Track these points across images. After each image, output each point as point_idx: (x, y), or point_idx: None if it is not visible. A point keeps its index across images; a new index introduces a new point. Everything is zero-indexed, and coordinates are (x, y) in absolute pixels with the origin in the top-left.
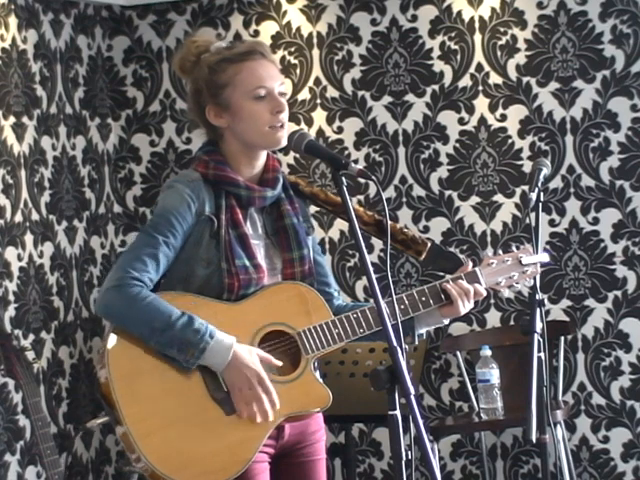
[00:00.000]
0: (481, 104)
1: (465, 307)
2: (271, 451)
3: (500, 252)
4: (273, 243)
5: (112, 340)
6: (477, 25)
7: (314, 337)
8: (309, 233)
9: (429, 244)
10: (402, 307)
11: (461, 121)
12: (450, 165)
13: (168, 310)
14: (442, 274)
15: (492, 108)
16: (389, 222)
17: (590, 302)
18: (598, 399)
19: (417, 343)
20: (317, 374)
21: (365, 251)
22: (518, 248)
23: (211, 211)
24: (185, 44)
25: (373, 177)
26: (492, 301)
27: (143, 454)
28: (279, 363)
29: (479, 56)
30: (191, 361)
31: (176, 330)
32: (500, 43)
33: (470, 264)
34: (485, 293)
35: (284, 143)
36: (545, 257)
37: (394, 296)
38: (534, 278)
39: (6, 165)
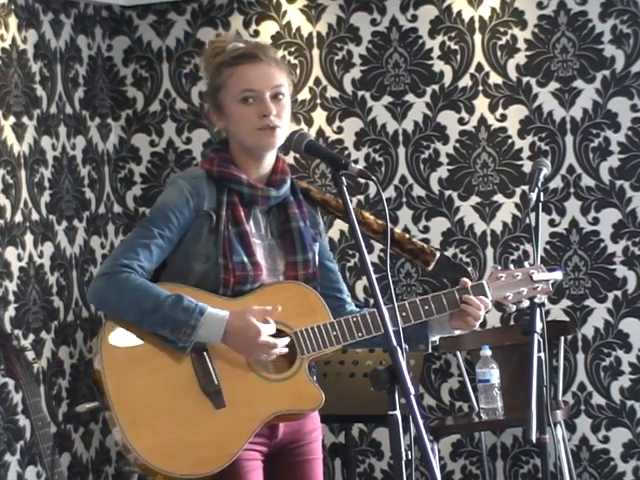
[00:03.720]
0: (481, 104)
1: (476, 323)
2: (264, 449)
3: (512, 266)
4: (278, 245)
5: (107, 328)
6: (477, 25)
7: (311, 338)
8: (316, 239)
9: (438, 254)
10: (404, 314)
11: (461, 121)
12: (450, 165)
13: (156, 291)
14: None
15: (492, 108)
16: (398, 231)
17: (590, 302)
18: (598, 399)
19: (430, 351)
20: (312, 375)
21: (365, 251)
22: (526, 256)
23: (210, 207)
24: (207, 45)
25: (373, 177)
26: (528, 302)
27: (130, 443)
28: (277, 308)
29: (479, 56)
30: (184, 339)
31: (166, 309)
32: (500, 43)
33: (470, 280)
34: (491, 306)
35: (275, 146)
36: (559, 275)
37: (395, 300)
38: (544, 295)
39: (6, 165)
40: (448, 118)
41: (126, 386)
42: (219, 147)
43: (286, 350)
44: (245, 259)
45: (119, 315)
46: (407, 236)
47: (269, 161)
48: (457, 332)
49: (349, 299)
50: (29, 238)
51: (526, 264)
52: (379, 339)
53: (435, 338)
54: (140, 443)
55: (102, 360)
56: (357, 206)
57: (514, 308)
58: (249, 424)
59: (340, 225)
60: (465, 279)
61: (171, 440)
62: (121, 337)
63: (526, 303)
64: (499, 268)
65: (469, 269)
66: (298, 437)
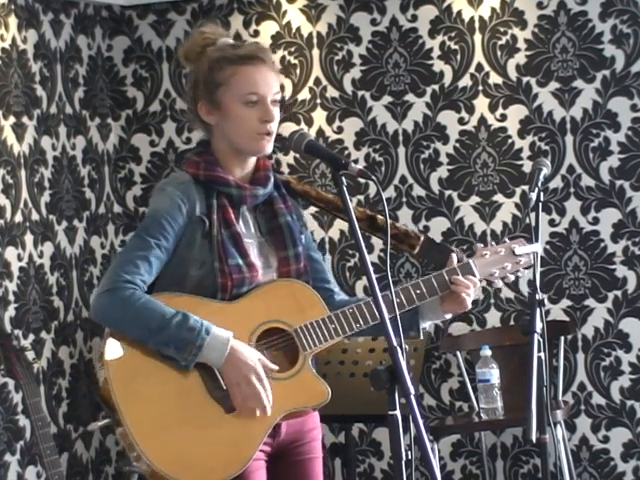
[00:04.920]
0: (481, 104)
1: (468, 303)
2: (268, 449)
3: (493, 243)
4: (267, 242)
5: (110, 342)
6: (477, 25)
7: (311, 333)
8: (301, 231)
9: (422, 237)
10: (398, 301)
11: (461, 121)
12: (450, 165)
13: (162, 310)
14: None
15: (492, 108)
16: (381, 217)
17: (590, 302)
18: (598, 399)
19: (422, 337)
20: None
21: (365, 251)
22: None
23: (202, 212)
24: (193, 34)
25: (373, 177)
26: (492, 301)
27: (146, 456)
28: (275, 367)
29: (479, 56)
30: (189, 359)
31: (172, 329)
32: (500, 43)
33: (454, 258)
34: (479, 284)
35: (268, 151)
36: (538, 247)
37: (392, 288)
38: (531, 269)
39: (6, 165)
40: (448, 118)
41: (136, 400)
42: (201, 149)
43: (265, 406)
44: (240, 261)
45: (124, 332)
46: (390, 221)
47: (253, 160)
48: (448, 316)
49: (337, 288)
50: (29, 238)
51: (506, 239)
52: (379, 328)
53: (426, 324)
54: (156, 454)
55: (109, 377)
56: (357, 206)
57: (501, 283)
58: (261, 426)
59: (340, 225)
60: (453, 257)
61: (187, 449)
62: (125, 352)
63: (511, 278)
64: (482, 246)
65: (455, 250)
66: (299, 436)
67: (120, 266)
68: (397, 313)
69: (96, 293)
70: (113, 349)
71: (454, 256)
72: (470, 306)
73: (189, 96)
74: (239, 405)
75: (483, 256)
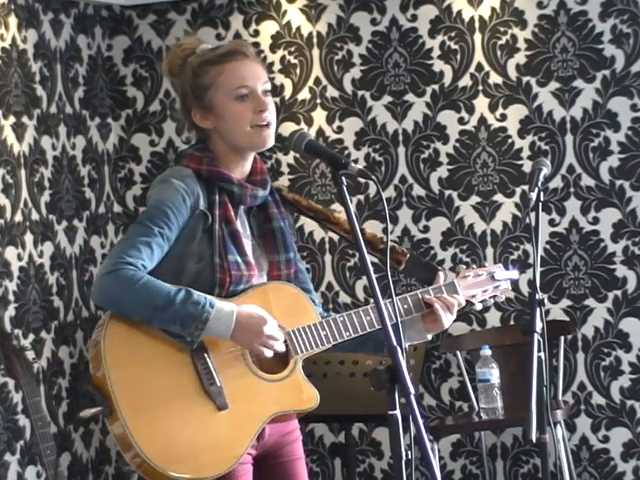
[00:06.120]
0: (481, 104)
1: (449, 320)
2: (253, 452)
3: (474, 266)
4: (259, 245)
5: (108, 331)
6: (477, 25)
7: (303, 338)
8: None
9: (408, 254)
10: (387, 312)
11: (461, 121)
12: (450, 165)
13: (165, 287)
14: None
15: (492, 108)
16: (369, 232)
17: (590, 302)
18: (598, 399)
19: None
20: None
21: (365, 251)
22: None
23: (205, 206)
24: (172, 48)
25: (373, 177)
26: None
27: (139, 447)
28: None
29: (479, 56)
30: (195, 334)
31: (177, 305)
32: (500, 43)
33: (442, 276)
34: (464, 303)
35: (270, 143)
36: (515, 274)
37: (394, 298)
38: (504, 293)
39: (6, 165)
40: (448, 118)
41: (131, 389)
42: (202, 146)
43: (284, 348)
44: (239, 259)
45: (128, 313)
46: (378, 236)
47: (250, 161)
48: (429, 336)
49: (317, 300)
50: (29, 238)
51: (486, 264)
52: (365, 347)
53: (406, 345)
54: (148, 446)
55: (105, 363)
56: (357, 206)
57: (480, 306)
58: (252, 425)
59: None
60: (440, 275)
61: (178, 443)
62: (121, 339)
63: (490, 302)
64: (464, 268)
65: (440, 268)
66: (281, 439)
67: (122, 249)
68: (398, 317)
69: (98, 275)
70: (110, 337)
71: (441, 274)
72: (446, 325)
73: (180, 108)
74: (267, 354)
75: (465, 278)
